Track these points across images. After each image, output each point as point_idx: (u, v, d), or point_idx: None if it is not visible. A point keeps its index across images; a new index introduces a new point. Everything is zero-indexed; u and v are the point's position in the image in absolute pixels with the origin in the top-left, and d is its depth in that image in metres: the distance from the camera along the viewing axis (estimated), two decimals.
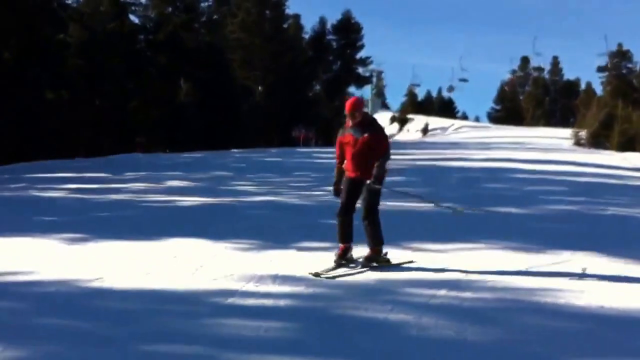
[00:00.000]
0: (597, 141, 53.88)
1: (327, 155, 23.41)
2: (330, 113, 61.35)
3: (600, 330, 5.44)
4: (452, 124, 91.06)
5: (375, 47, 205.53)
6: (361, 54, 66.25)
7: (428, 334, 5.31)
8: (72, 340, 4.98)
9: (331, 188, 7.75)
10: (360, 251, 7.57)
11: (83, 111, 34.65)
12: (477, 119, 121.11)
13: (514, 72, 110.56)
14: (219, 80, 43.15)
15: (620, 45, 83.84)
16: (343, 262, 7.42)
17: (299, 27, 62.32)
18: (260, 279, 6.78)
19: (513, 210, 11.89)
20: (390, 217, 8.21)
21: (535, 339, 5.19)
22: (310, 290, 6.47)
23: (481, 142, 51.99)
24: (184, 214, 11.34)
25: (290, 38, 57.09)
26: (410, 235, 9.05)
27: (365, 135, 7.22)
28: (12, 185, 16.06)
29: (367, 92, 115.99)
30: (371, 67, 75.18)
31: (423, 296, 6.33)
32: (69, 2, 38.61)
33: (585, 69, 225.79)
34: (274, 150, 34.97)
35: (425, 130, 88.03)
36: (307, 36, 63.52)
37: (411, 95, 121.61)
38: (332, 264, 7.34)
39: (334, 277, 6.99)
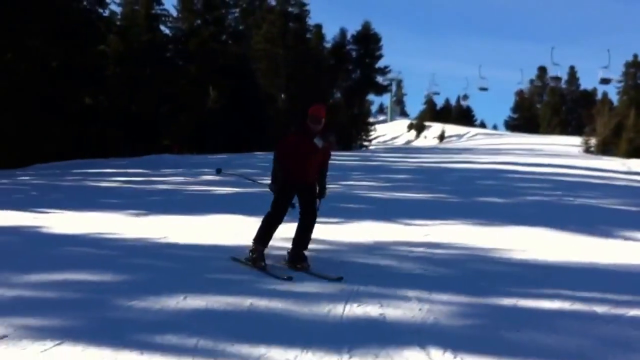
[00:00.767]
0: (606, 149, 55.60)
1: (342, 158, 25.69)
2: (349, 119, 63.80)
3: (526, 273, 7.61)
4: (468, 132, 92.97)
5: (395, 56, 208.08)
6: (380, 64, 68.49)
7: (405, 271, 7.53)
8: (157, 273, 7.23)
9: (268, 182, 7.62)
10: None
11: (119, 115, 37.14)
12: (494, 127, 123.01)
13: (531, 81, 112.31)
14: (244, 88, 45.60)
15: (635, 55, 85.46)
16: (261, 264, 7.37)
17: (321, 37, 64.71)
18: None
19: (495, 199, 14.08)
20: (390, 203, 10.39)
21: (480, 277, 7.35)
22: (321, 246, 8.68)
23: (492, 149, 53.97)
24: (220, 199, 13.65)
25: (312, 48, 59.46)
26: (409, 214, 11.27)
27: (325, 144, 7.40)
28: (69, 178, 18.47)
29: (386, 100, 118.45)
30: (390, 75, 77.51)
31: (405, 251, 8.55)
32: (108, 15, 41.13)
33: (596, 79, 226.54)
34: None
35: (441, 137, 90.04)
36: (328, 45, 65.97)
37: (430, 103, 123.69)
38: (244, 260, 7.52)
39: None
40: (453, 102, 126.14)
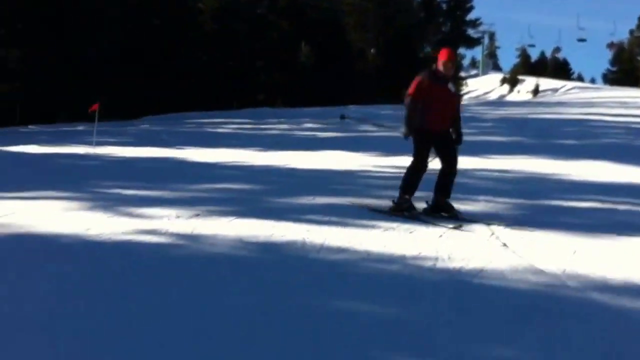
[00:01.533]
0: None
1: None
2: None
3: (573, 188, 9.85)
4: (564, 85, 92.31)
5: (487, 8, 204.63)
6: (471, 16, 69.40)
7: (478, 186, 9.91)
8: (290, 184, 9.82)
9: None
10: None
11: (217, 71, 40.25)
12: (592, 81, 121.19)
13: (631, 32, 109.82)
14: (335, 42, 47.98)
15: None
16: (405, 213, 7.52)
17: None
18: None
19: (569, 141, 16.18)
20: None
21: (535, 190, 9.64)
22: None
23: (585, 102, 54.54)
24: (325, 141, 16.27)
25: (402, 2, 61.04)
26: None
27: (458, 91, 7.79)
28: (186, 126, 21.48)
29: (478, 53, 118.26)
30: (481, 28, 78.19)
31: (481, 175, 10.91)
32: None
33: None
34: (389, 107, 39.53)
35: (535, 91, 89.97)
36: None
37: (524, 56, 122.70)
38: (387, 210, 7.68)
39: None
40: (548, 54, 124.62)
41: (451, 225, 6.99)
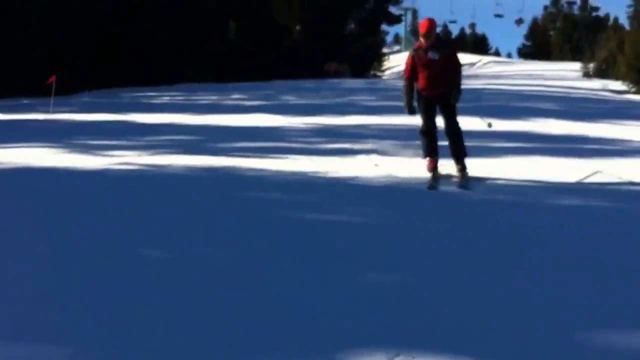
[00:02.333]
0: (604, 72, 59.21)
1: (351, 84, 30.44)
2: (362, 50, 68.40)
3: None
4: (480, 60, 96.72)
5: None
6: None
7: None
8: (231, 131, 12.34)
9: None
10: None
11: (150, 46, 42.03)
12: (509, 55, 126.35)
13: (545, 8, 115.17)
14: (261, 19, 50.35)
15: None
16: (436, 175, 7.93)
17: None
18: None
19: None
20: None
21: None
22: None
23: (495, 75, 58.52)
24: (254, 107, 18.72)
25: None
26: None
27: (443, 54, 7.79)
28: (124, 98, 23.61)
29: (401, 29, 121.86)
30: (403, 5, 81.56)
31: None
32: None
33: (617, 3, 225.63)
34: (310, 81, 42.21)
35: None
36: None
37: (445, 32, 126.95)
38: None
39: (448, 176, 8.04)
40: (468, 29, 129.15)
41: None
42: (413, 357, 3.18)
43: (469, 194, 7.46)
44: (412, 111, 8.00)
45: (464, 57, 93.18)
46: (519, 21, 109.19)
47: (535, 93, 25.06)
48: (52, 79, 16.17)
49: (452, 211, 6.66)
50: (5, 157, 9.64)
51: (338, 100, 21.12)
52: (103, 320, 3.67)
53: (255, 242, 5.34)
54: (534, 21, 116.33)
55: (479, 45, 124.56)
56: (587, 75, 59.71)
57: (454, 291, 4.16)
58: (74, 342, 3.37)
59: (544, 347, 3.39)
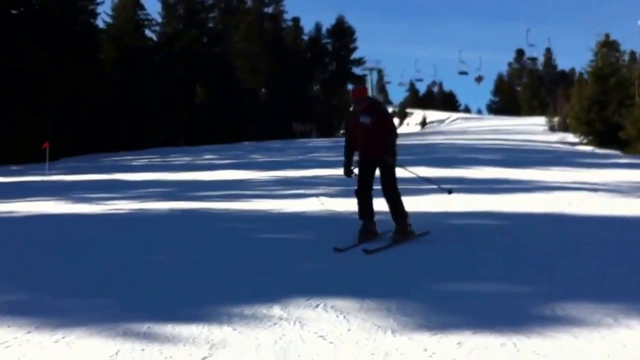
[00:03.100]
0: (568, 125, 62.68)
1: (316, 142, 33.38)
2: (328, 109, 71.95)
3: None
4: (449, 117, 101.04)
5: (378, 44, 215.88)
6: (355, 55, 76.51)
7: None
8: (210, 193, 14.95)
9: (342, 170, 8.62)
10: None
11: (123, 113, 44.93)
12: (479, 112, 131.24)
13: (509, 64, 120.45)
14: (227, 84, 53.53)
15: (607, 35, 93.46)
16: (365, 237, 8.20)
17: (299, 29, 72.84)
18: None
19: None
20: None
21: None
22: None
23: (462, 130, 62.00)
24: (223, 165, 21.37)
25: (289, 44, 67.42)
26: None
27: (373, 118, 8.15)
28: (104, 162, 26.17)
29: (368, 89, 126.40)
30: (368, 65, 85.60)
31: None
32: (103, 26, 49.02)
33: (579, 58, 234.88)
34: (277, 141, 45.16)
35: (423, 123, 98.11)
36: (305, 37, 74.02)
37: (412, 90, 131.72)
38: (355, 241, 8.09)
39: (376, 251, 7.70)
40: (436, 88, 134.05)
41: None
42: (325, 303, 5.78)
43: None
44: (348, 173, 8.48)
45: (433, 114, 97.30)
46: (479, 78, 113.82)
47: (485, 146, 28.12)
48: (46, 144, 18.79)
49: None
50: (17, 208, 12.15)
51: (301, 157, 23.96)
52: (131, 287, 6.29)
53: (220, 249, 8.00)
54: (499, 77, 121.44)
55: (448, 102, 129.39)
56: (552, 129, 62.91)
57: (350, 267, 6.84)
58: (114, 297, 5.97)
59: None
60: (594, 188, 13.49)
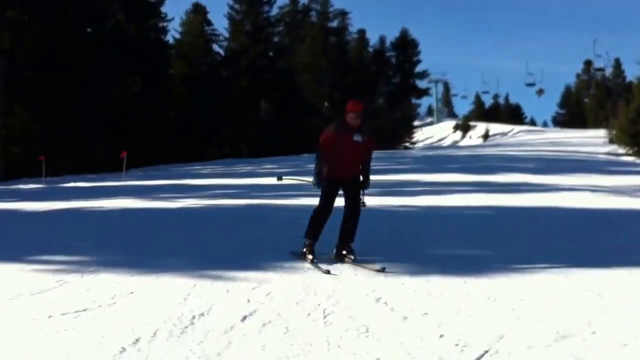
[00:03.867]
0: (627, 139, 63.06)
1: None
2: (391, 122, 74.01)
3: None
4: (512, 129, 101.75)
5: (443, 56, 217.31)
6: (419, 68, 78.59)
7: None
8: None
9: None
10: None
11: (188, 127, 48.03)
12: (545, 124, 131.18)
13: (577, 75, 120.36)
14: (291, 98, 56.33)
15: None
16: (310, 257, 8.10)
17: (363, 42, 75.32)
18: None
19: (452, 165, 23.99)
20: None
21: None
22: None
23: (522, 143, 63.33)
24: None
25: (353, 57, 69.96)
26: None
27: (365, 138, 8.09)
28: (175, 172, 28.97)
29: (432, 102, 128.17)
30: (432, 77, 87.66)
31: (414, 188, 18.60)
32: (172, 42, 52.39)
33: None
34: None
35: (485, 136, 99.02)
36: (370, 49, 76.38)
37: (478, 102, 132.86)
38: (308, 263, 7.99)
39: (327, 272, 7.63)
40: (502, 100, 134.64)
41: (377, 267, 7.62)
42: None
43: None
44: (318, 184, 8.27)
45: (496, 127, 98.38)
46: (540, 91, 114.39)
47: (528, 157, 30.00)
48: (124, 153, 21.60)
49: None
50: (105, 204, 14.79)
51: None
52: (205, 252, 8.75)
53: (275, 229, 10.40)
54: (567, 89, 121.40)
55: (514, 114, 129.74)
56: (611, 141, 63.32)
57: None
58: (192, 256, 8.41)
59: None
60: (598, 190, 15.45)
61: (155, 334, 5.64)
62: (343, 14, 70.64)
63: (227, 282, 7.21)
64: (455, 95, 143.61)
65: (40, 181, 23.35)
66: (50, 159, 25.22)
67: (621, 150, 42.30)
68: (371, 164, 8.44)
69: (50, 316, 6.16)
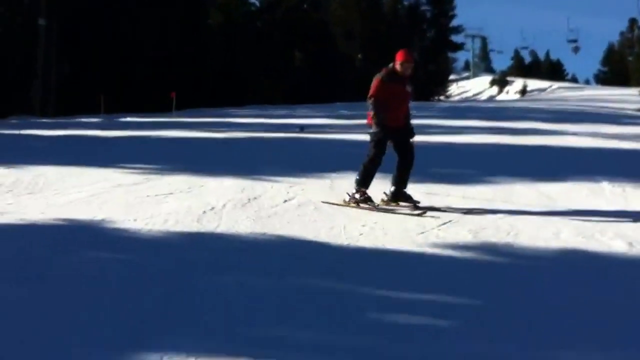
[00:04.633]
0: None
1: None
2: (425, 76, 75.89)
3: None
4: (550, 86, 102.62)
5: (480, 10, 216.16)
6: (454, 23, 79.97)
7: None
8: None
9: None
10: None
11: (227, 75, 50.85)
12: (587, 82, 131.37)
13: (621, 33, 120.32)
14: (324, 50, 58.75)
15: None
16: (361, 205, 8.66)
17: None
18: None
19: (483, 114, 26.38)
20: None
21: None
22: None
23: (557, 98, 65.04)
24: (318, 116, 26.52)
25: (387, 11, 71.80)
26: None
27: (411, 88, 8.64)
28: (214, 113, 31.80)
29: (469, 56, 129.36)
30: (468, 32, 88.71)
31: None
32: None
33: None
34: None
35: (523, 92, 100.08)
36: (405, 3, 77.85)
37: (517, 58, 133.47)
38: (344, 201, 8.80)
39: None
40: (542, 56, 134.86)
41: (416, 213, 8.30)
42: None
43: None
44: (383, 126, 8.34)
45: (534, 83, 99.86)
46: (576, 49, 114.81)
47: (549, 109, 32.24)
48: (173, 94, 24.52)
49: None
50: (162, 134, 17.64)
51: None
52: (251, 165, 11.57)
53: (305, 153, 13.16)
54: (610, 47, 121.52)
55: (555, 71, 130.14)
56: None
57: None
58: (241, 167, 11.22)
59: None
60: (590, 135, 17.75)
61: (224, 205, 8.49)
62: None
63: (272, 182, 10.02)
64: (492, 50, 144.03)
65: (99, 116, 26.33)
66: (106, 97, 27.93)
67: None
68: None
69: (148, 195, 9.06)
